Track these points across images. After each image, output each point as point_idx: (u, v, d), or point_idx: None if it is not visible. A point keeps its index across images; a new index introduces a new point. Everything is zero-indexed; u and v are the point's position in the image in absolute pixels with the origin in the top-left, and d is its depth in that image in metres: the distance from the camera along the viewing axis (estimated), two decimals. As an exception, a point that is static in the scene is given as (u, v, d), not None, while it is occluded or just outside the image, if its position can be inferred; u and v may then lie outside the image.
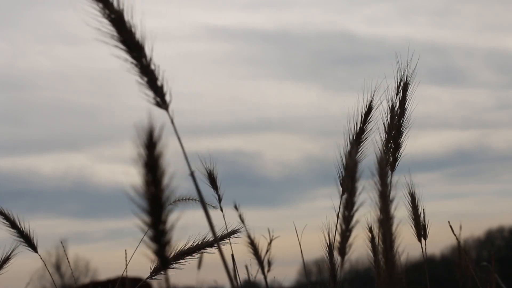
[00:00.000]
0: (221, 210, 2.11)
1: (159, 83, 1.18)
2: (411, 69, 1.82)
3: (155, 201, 0.95)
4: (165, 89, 1.18)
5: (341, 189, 1.54)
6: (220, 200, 2.12)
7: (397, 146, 1.82)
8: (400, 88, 1.84)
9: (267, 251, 2.04)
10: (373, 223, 1.13)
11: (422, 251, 2.00)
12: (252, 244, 2.02)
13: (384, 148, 1.82)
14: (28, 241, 2.12)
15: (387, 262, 1.11)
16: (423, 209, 1.99)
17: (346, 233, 1.21)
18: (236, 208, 2.12)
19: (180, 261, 1.93)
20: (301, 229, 2.07)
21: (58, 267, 25.60)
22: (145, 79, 1.18)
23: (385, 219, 1.12)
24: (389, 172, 1.83)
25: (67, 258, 2.35)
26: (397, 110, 1.83)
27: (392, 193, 1.13)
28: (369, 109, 1.81)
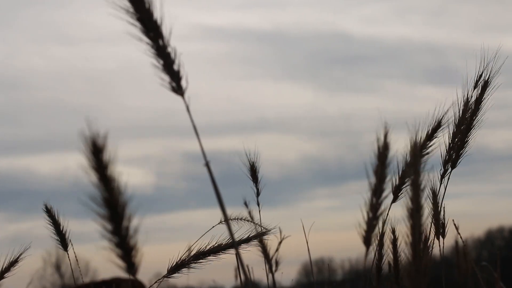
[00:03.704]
0: (258, 205, 2.09)
1: (175, 67, 1.12)
2: (495, 68, 1.79)
3: (112, 207, 0.95)
4: (181, 73, 1.12)
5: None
6: (258, 194, 2.09)
7: (463, 144, 1.80)
8: (479, 83, 1.80)
9: (276, 250, 1.99)
10: (403, 213, 1.07)
11: (440, 249, 1.96)
12: (262, 243, 1.97)
13: (451, 142, 1.80)
14: (62, 239, 2.15)
15: (414, 255, 1.05)
16: (444, 207, 1.95)
17: (372, 221, 1.15)
18: (246, 205, 2.09)
19: (200, 261, 1.91)
20: (301, 229, 2.09)
21: (58, 267, 25.66)
22: (161, 62, 1.11)
23: (415, 210, 1.06)
24: (450, 167, 1.82)
25: (70, 257, 2.31)
26: (471, 106, 1.79)
27: (423, 184, 1.06)
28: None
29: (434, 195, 1.94)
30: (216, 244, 1.91)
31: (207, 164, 1.12)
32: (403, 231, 1.17)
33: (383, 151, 1.17)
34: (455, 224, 2.06)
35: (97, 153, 0.93)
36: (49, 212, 2.13)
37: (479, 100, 1.80)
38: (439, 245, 1.95)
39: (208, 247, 1.90)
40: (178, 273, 1.93)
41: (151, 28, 1.09)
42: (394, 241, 1.72)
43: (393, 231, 1.70)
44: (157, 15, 1.10)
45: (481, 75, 1.80)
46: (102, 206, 0.96)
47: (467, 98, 1.79)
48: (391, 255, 1.72)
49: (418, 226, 1.05)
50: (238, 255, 1.19)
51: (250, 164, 2.06)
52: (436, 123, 1.77)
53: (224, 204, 1.12)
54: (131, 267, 0.98)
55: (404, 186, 1.66)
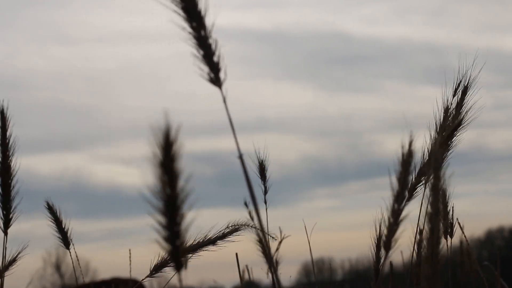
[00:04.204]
0: (265, 203, 2.10)
1: (215, 58, 1.13)
2: (474, 73, 1.81)
3: (170, 202, 0.93)
4: (220, 65, 1.13)
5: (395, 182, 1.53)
6: (266, 192, 2.10)
7: (446, 147, 1.79)
8: (459, 90, 1.82)
9: (276, 249, 2.01)
10: (422, 217, 1.11)
11: (447, 249, 1.99)
12: (262, 243, 1.99)
13: (433, 145, 1.79)
14: (65, 238, 2.15)
15: (432, 258, 1.09)
16: (452, 207, 1.97)
17: (393, 226, 1.19)
18: (246, 205, 2.07)
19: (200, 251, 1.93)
20: (301, 229, 2.10)
21: (58, 267, 25.58)
22: (201, 52, 1.12)
23: (434, 214, 1.10)
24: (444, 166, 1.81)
25: (72, 257, 2.33)
26: (452, 112, 1.81)
27: (444, 188, 1.11)
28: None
29: (444, 195, 1.98)
30: (195, 242, 1.92)
31: (241, 157, 1.14)
32: (424, 234, 1.21)
33: (407, 158, 1.20)
34: (459, 224, 2.07)
35: (167, 146, 0.91)
36: (51, 209, 2.14)
37: (460, 105, 1.82)
38: (447, 245, 1.98)
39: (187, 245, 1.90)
40: (161, 272, 1.95)
41: (195, 18, 1.10)
42: (420, 243, 1.74)
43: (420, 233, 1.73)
44: (201, 5, 1.11)
45: (461, 80, 1.82)
46: (161, 200, 0.94)
47: (447, 104, 1.82)
48: (415, 256, 1.74)
49: (436, 229, 1.10)
50: (237, 256, 1.20)
51: (259, 162, 2.08)
52: (457, 123, 1.80)
53: (258, 207, 1.14)
54: (179, 263, 0.98)
55: (419, 185, 1.69)
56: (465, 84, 1.82)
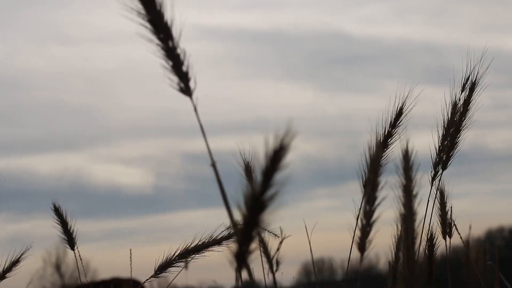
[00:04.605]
0: None
1: (184, 68, 1.13)
2: (482, 69, 1.81)
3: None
4: (190, 75, 1.13)
5: (363, 184, 1.56)
6: None
7: (453, 145, 1.81)
8: (467, 85, 1.82)
9: (277, 249, 1.98)
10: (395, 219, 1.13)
11: (446, 249, 1.99)
12: (262, 243, 1.97)
13: (440, 145, 1.81)
14: (70, 238, 2.17)
15: (408, 259, 1.10)
16: (451, 207, 1.98)
17: (366, 228, 1.20)
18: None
19: (187, 259, 1.93)
20: (301, 229, 2.08)
21: (58, 267, 25.69)
22: (170, 63, 1.12)
23: (408, 215, 1.11)
24: (441, 169, 1.83)
25: (76, 257, 2.32)
26: (460, 108, 1.81)
27: (416, 189, 1.12)
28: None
29: (442, 195, 1.96)
30: (199, 242, 1.91)
31: (213, 164, 1.12)
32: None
33: (376, 158, 1.22)
34: (455, 225, 2.06)
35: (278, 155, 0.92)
36: (57, 211, 2.15)
37: (467, 102, 1.82)
38: (446, 245, 1.96)
39: (192, 246, 1.91)
40: (165, 272, 1.95)
41: (162, 30, 1.11)
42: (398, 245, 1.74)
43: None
44: (167, 16, 1.11)
45: (468, 77, 1.82)
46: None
47: (455, 100, 1.82)
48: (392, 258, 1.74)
49: (411, 231, 1.11)
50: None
51: (245, 163, 2.03)
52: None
53: (230, 204, 1.12)
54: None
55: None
56: (473, 80, 1.82)
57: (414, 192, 1.11)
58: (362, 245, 1.20)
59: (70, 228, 2.16)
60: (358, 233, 1.21)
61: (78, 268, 2.24)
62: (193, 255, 1.91)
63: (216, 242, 1.92)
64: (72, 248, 2.17)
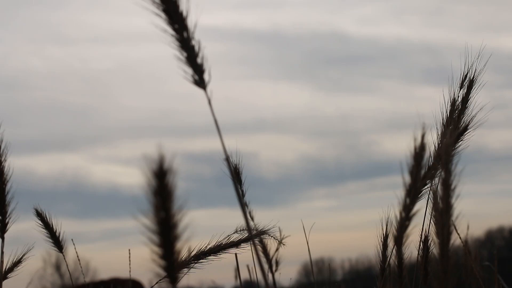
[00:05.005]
0: (247, 206, 2.05)
1: (199, 60, 1.11)
2: (480, 67, 1.81)
3: (165, 226, 0.94)
4: (204, 67, 1.11)
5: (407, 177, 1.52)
6: (243, 195, 2.05)
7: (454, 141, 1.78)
8: (465, 83, 1.81)
9: (276, 250, 1.99)
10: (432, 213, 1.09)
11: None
12: (262, 243, 1.97)
13: (440, 143, 1.79)
14: (57, 242, 2.15)
15: (442, 256, 1.06)
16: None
17: (405, 221, 1.16)
18: (246, 205, 2.06)
19: (202, 261, 1.89)
20: (300, 229, 2.10)
21: (58, 267, 25.61)
22: (185, 54, 1.10)
23: (445, 209, 1.07)
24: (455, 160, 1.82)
25: (66, 258, 2.32)
26: (458, 106, 1.80)
27: (455, 183, 1.08)
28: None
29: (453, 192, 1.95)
30: (216, 244, 1.89)
31: (227, 159, 1.12)
32: (432, 231, 1.24)
33: (420, 151, 1.18)
34: (454, 226, 2.06)
35: (161, 175, 0.91)
36: (40, 215, 2.13)
37: (465, 99, 1.81)
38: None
39: (208, 247, 1.89)
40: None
41: (177, 20, 1.08)
42: (425, 241, 1.74)
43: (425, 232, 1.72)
44: (183, 7, 1.09)
45: (466, 74, 1.82)
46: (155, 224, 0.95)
47: (454, 98, 1.81)
48: (420, 255, 1.73)
49: (447, 226, 1.08)
50: (236, 256, 1.19)
51: (233, 166, 2.02)
52: (468, 121, 1.80)
53: (246, 209, 1.12)
54: (173, 279, 1.01)
55: (428, 183, 1.67)
56: (471, 78, 1.82)
57: (452, 186, 1.08)
58: (399, 239, 1.17)
59: (56, 231, 2.13)
60: (395, 226, 1.17)
61: (75, 268, 2.23)
62: (209, 257, 1.89)
63: (234, 244, 1.91)
64: (61, 251, 2.15)
